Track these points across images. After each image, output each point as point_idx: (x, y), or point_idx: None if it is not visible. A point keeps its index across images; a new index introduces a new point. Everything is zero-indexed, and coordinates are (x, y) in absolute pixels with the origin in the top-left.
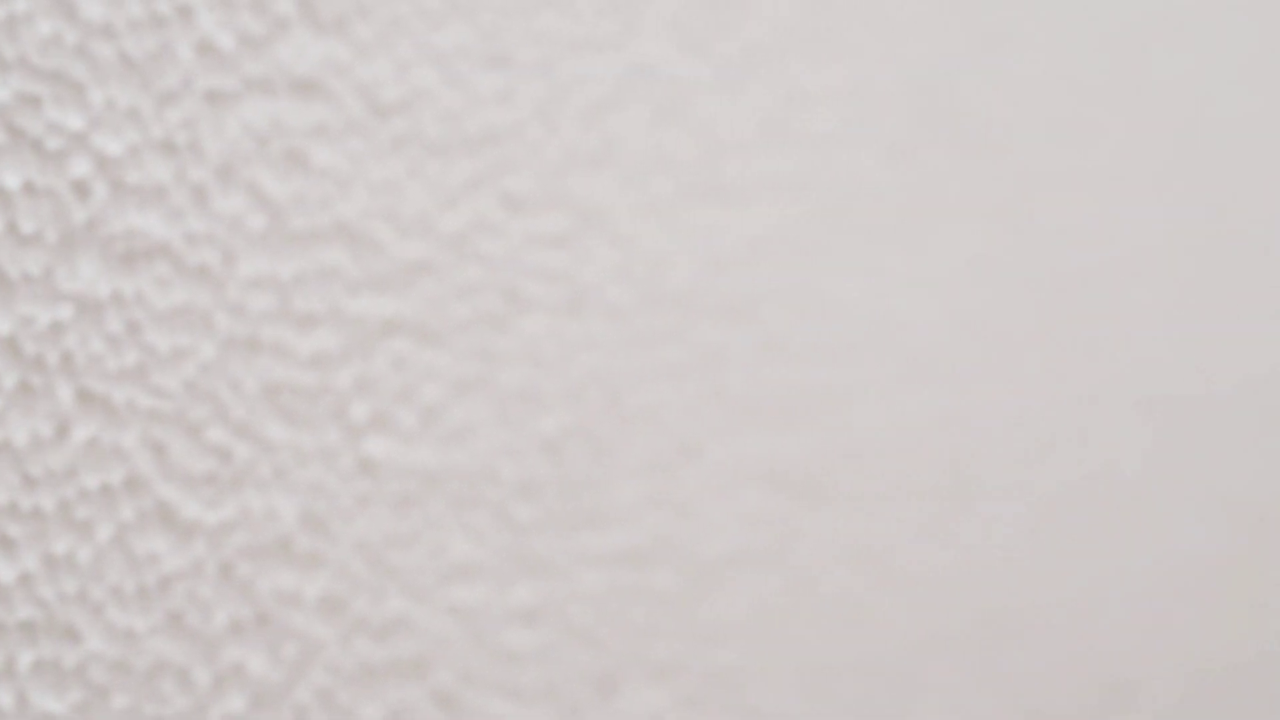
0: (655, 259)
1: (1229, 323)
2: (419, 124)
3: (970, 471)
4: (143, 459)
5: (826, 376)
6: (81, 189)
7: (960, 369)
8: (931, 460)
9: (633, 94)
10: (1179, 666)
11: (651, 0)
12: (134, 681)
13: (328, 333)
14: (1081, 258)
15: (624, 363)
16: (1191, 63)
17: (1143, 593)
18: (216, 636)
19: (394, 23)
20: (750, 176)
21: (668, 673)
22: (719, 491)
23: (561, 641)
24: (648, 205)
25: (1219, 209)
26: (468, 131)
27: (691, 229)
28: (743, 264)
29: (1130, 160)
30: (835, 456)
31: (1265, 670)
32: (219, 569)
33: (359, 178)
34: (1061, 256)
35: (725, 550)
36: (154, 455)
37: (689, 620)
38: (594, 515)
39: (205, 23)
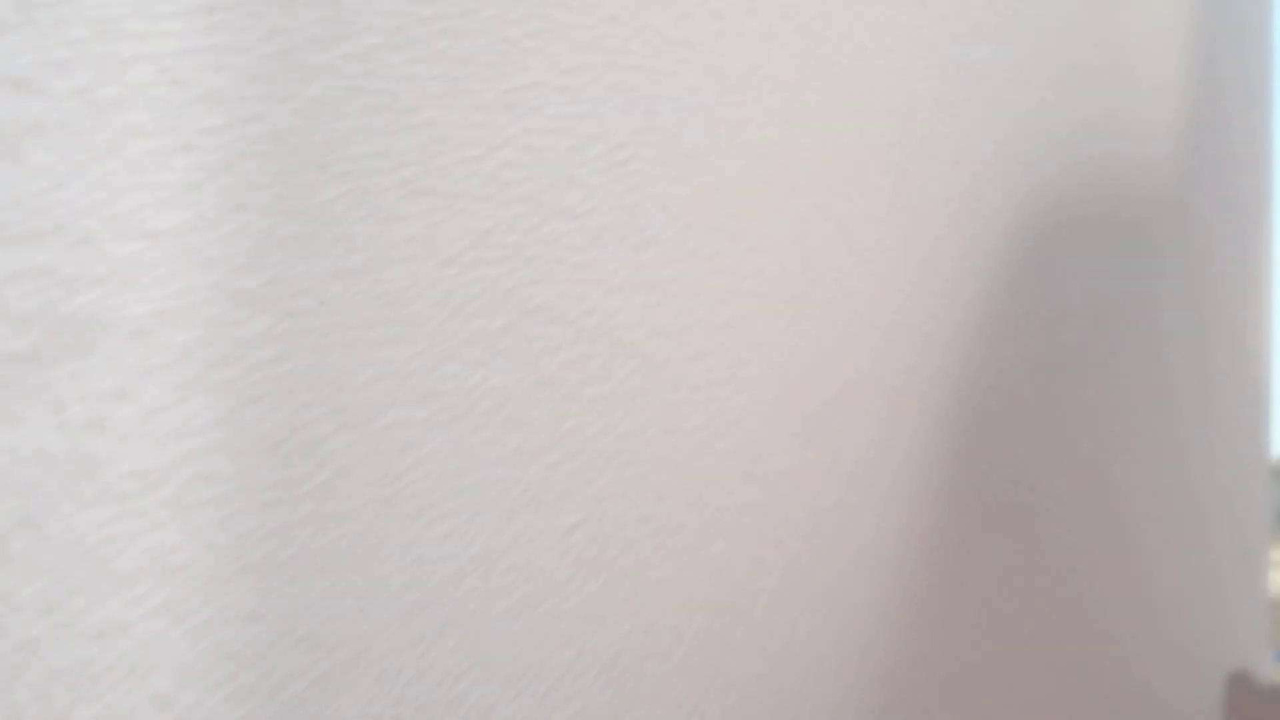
0: (376, 262)
1: (942, 320)
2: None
3: (692, 470)
4: None
5: (544, 380)
6: None
7: (680, 371)
8: (655, 459)
9: (356, 93)
10: (913, 663)
11: (370, 1)
12: None
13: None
14: (804, 260)
15: (338, 362)
16: (903, 65)
17: (857, 584)
18: None
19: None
20: (470, 178)
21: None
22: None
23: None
24: (369, 207)
25: (932, 211)
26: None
27: (410, 232)
28: (462, 266)
29: (843, 165)
30: (562, 456)
31: (969, 674)
32: None
33: (77, 176)
34: (780, 260)
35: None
36: None
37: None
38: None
39: None
